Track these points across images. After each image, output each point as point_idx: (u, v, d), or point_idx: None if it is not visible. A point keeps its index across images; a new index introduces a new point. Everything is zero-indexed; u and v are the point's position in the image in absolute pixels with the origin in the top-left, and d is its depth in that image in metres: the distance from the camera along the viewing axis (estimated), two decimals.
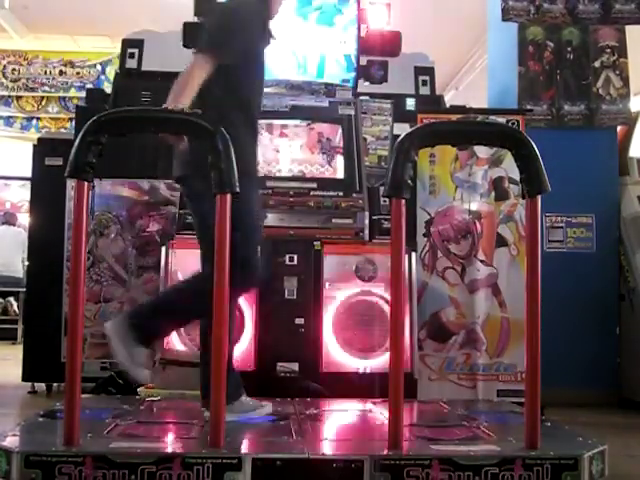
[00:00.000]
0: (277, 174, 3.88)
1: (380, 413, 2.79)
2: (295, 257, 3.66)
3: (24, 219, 8.54)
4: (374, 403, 3.01)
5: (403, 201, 2.26)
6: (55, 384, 4.64)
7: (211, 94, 2.73)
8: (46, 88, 10.78)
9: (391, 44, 4.23)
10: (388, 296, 2.43)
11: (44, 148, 4.75)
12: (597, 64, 4.87)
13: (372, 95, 4.29)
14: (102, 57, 10.68)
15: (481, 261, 3.91)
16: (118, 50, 5.14)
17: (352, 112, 4.01)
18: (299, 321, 3.62)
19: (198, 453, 2.07)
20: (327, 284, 3.68)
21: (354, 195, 3.77)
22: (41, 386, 4.65)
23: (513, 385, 3.80)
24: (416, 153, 2.29)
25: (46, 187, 4.63)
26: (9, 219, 8.80)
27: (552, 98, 4.83)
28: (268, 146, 4.00)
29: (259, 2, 2.95)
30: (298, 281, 3.64)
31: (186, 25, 4.10)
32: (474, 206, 3.96)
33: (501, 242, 3.95)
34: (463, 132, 2.51)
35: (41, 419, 2.58)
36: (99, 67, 10.76)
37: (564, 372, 4.27)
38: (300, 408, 2.94)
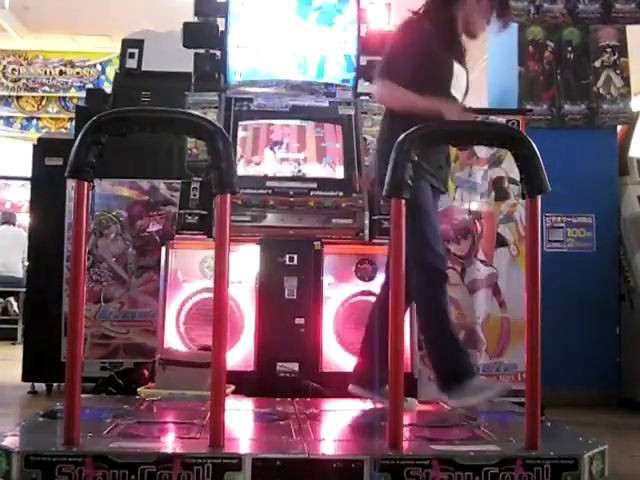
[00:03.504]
0: (277, 174, 3.88)
1: (380, 413, 2.79)
2: (295, 257, 3.66)
3: (24, 219, 8.54)
4: (374, 403, 3.01)
5: (403, 201, 2.26)
6: (55, 384, 4.64)
7: None
8: (46, 88, 10.79)
9: None
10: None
11: (44, 148, 4.75)
12: (597, 64, 4.87)
13: (372, 95, 4.29)
14: (102, 57, 10.68)
15: (481, 261, 3.92)
16: (118, 50, 5.13)
17: (352, 112, 4.01)
18: (299, 321, 3.62)
19: (198, 453, 2.07)
20: (327, 284, 3.68)
21: (354, 195, 3.77)
22: (41, 386, 4.65)
23: (513, 385, 3.81)
24: (416, 153, 2.29)
25: (46, 187, 4.64)
26: (8, 219, 8.79)
27: (552, 98, 4.83)
28: (268, 146, 4.00)
29: None
30: (298, 281, 3.64)
31: (186, 25, 4.11)
32: (474, 206, 3.96)
33: (501, 242, 3.96)
34: (463, 132, 2.51)
35: (41, 419, 2.58)
36: (99, 67, 10.77)
37: (564, 372, 4.27)
38: (300, 408, 2.94)
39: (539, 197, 2.28)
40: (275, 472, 2.07)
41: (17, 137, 10.98)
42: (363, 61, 4.16)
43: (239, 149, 3.91)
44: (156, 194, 4.49)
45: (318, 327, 3.62)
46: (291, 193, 3.76)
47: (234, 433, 2.44)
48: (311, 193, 3.78)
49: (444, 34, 3.02)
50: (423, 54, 2.93)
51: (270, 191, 3.75)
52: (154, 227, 4.45)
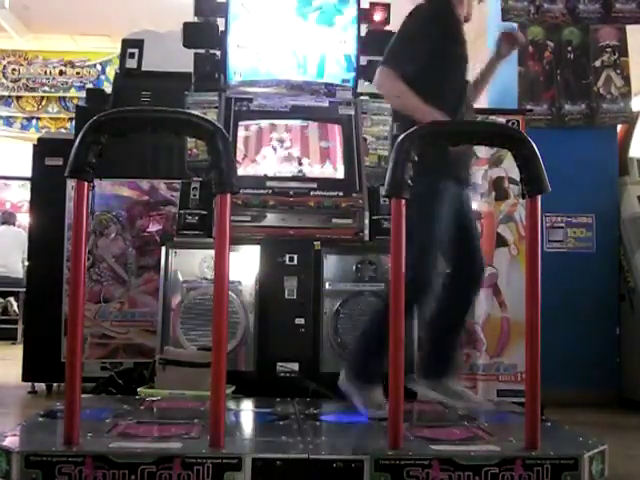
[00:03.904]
0: (277, 174, 3.89)
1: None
2: (295, 257, 3.66)
3: (24, 219, 8.53)
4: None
5: (403, 201, 2.26)
6: (55, 384, 4.63)
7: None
8: (46, 88, 10.79)
9: None
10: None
11: (44, 148, 4.75)
12: (598, 63, 4.86)
13: (372, 95, 4.29)
14: (102, 57, 10.69)
15: None
16: (118, 50, 5.13)
17: (352, 112, 4.01)
18: (299, 321, 3.62)
19: (198, 453, 2.07)
20: (327, 284, 3.68)
21: (354, 195, 3.77)
22: (41, 386, 4.65)
23: (513, 385, 3.81)
24: (416, 153, 2.29)
25: (46, 187, 4.63)
26: (8, 219, 8.78)
27: (552, 98, 4.82)
28: (268, 146, 4.00)
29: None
30: (298, 281, 3.64)
31: (186, 25, 4.11)
32: (474, 206, 3.96)
33: (501, 242, 3.95)
34: (463, 132, 2.51)
35: (41, 419, 2.58)
36: (99, 67, 10.77)
37: (564, 372, 4.27)
38: (300, 408, 2.94)
39: (539, 197, 2.28)
40: (275, 472, 2.07)
41: (17, 137, 10.97)
42: (363, 61, 4.16)
43: (240, 149, 3.91)
44: (156, 194, 4.49)
45: (318, 327, 3.62)
46: (291, 193, 3.76)
47: (234, 433, 2.44)
48: (311, 193, 3.78)
49: (447, 19, 2.98)
50: (425, 40, 2.88)
51: (270, 191, 3.75)
52: (154, 227, 4.45)
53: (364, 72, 4.14)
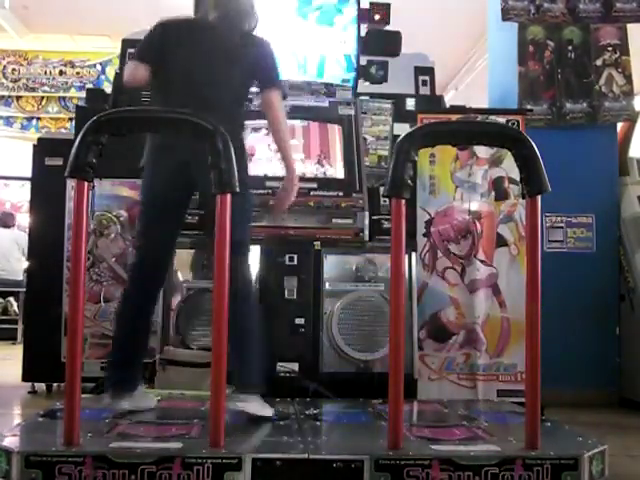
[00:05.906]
0: (277, 174, 3.88)
1: (380, 413, 2.80)
2: (295, 257, 3.67)
3: (24, 219, 8.51)
4: (374, 403, 3.01)
5: (403, 201, 2.26)
6: (55, 384, 4.63)
7: None
8: (46, 88, 10.77)
9: (391, 44, 4.23)
10: (388, 296, 2.43)
11: (44, 148, 4.75)
12: (599, 62, 4.85)
13: (372, 95, 4.29)
14: (102, 57, 10.67)
15: (481, 261, 3.91)
16: (118, 50, 5.13)
17: (352, 112, 4.01)
18: (299, 321, 3.62)
19: (198, 453, 2.07)
20: (327, 284, 3.68)
21: (354, 195, 3.77)
22: (41, 386, 4.65)
23: (513, 385, 3.80)
24: (416, 153, 2.29)
25: (46, 187, 4.63)
26: (7, 220, 8.72)
27: (553, 97, 4.82)
28: (268, 146, 4.00)
29: None
30: (298, 281, 3.64)
31: None
32: (474, 206, 3.95)
33: (501, 242, 3.95)
34: (463, 132, 2.51)
35: (41, 419, 2.58)
36: (99, 67, 10.76)
37: (564, 372, 4.27)
38: (300, 408, 2.94)
39: (539, 197, 2.29)
40: (275, 472, 2.07)
41: (17, 137, 10.96)
42: (363, 61, 4.16)
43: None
44: None
45: (318, 327, 3.62)
46: None
47: (234, 433, 2.44)
48: (311, 193, 3.78)
49: None
50: None
51: (270, 191, 3.75)
52: None
53: (364, 72, 4.15)
